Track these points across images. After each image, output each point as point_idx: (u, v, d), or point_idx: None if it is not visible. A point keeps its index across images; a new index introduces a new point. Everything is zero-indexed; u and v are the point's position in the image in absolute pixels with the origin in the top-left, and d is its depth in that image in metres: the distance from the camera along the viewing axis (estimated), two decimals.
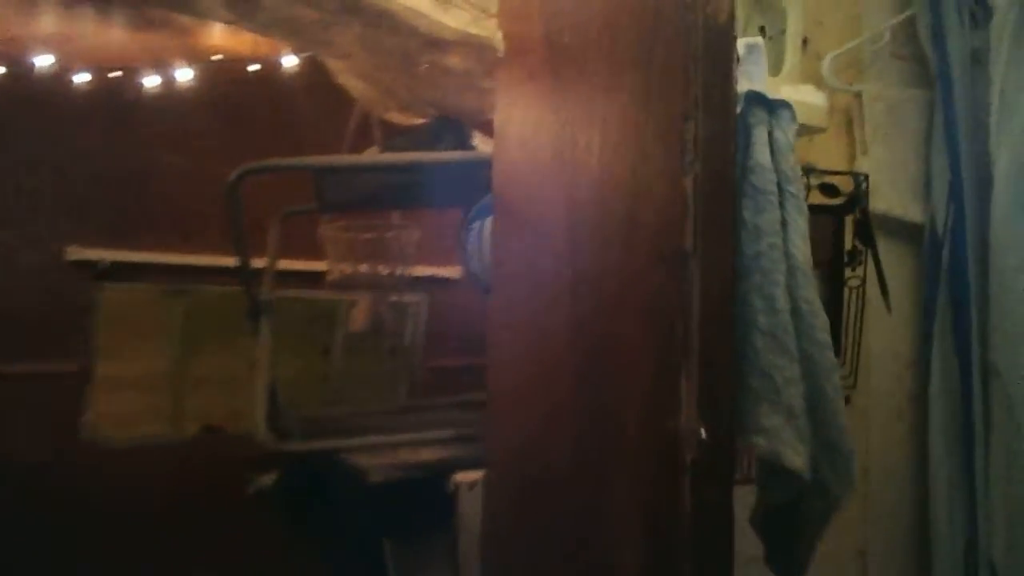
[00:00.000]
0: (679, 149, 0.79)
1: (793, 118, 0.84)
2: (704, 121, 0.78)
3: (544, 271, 1.05)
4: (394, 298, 2.60)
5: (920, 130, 1.55)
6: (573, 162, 0.99)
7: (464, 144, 1.52)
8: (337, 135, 2.60)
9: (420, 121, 2.34)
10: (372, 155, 2.21)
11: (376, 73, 1.74)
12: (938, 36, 1.45)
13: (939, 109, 1.49)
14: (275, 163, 1.38)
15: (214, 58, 2.45)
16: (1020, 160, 1.34)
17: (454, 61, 1.53)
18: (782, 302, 0.79)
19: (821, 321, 0.81)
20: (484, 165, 1.39)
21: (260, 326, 1.60)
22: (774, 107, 0.84)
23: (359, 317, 2.22)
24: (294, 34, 1.30)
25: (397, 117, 2.24)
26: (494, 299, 1.23)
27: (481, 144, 1.57)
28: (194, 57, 2.44)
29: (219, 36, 2.45)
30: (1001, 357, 1.36)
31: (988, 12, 1.43)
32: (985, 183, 1.40)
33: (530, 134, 1.12)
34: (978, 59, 1.45)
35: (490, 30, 1.45)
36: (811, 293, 0.81)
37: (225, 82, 2.59)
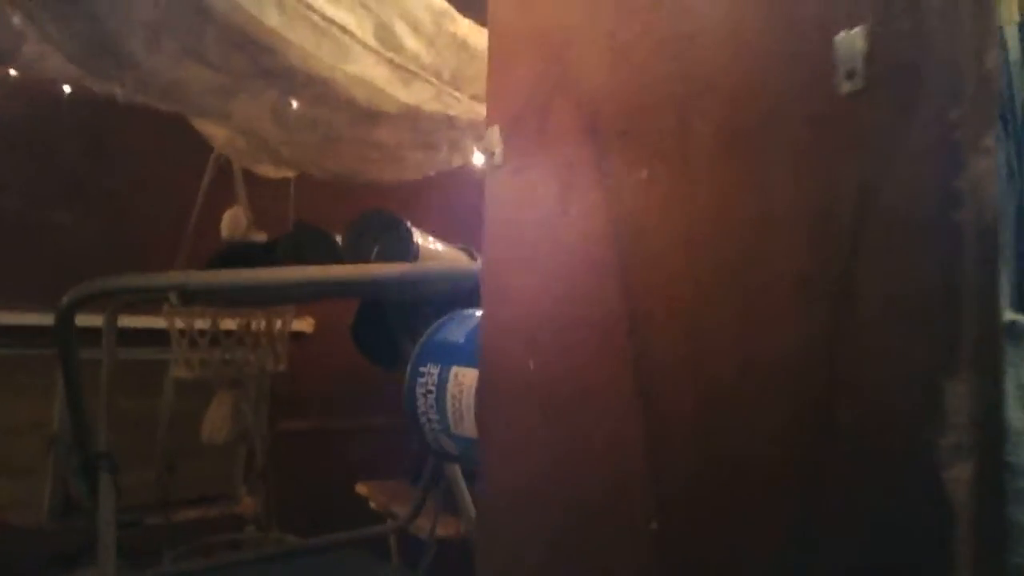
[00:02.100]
0: (929, 418, 0.49)
1: None
2: (974, 381, 0.49)
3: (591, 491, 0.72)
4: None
5: None
6: (665, 364, 0.66)
7: (406, 248, 1.14)
8: (179, 178, 2.10)
9: (290, 174, 1.92)
10: (235, 218, 1.75)
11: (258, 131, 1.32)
12: None
13: None
14: (125, 281, 0.93)
15: (11, 74, 1.85)
16: None
17: (383, 134, 1.15)
18: None
19: None
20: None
21: (99, 486, 1.11)
22: (1018, 337, 0.57)
23: (217, 429, 1.74)
24: (177, 102, 0.87)
25: (268, 171, 1.80)
26: (484, 491, 0.87)
27: (420, 240, 1.21)
28: None
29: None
30: None
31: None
32: None
33: (557, 291, 0.78)
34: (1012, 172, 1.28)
35: (446, 104, 1.09)
36: None
37: (23, 103, 1.99)
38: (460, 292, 1.25)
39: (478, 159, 1.60)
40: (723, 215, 0.63)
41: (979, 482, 0.48)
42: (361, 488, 2.75)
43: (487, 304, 0.88)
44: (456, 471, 1.30)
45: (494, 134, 0.86)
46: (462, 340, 1.02)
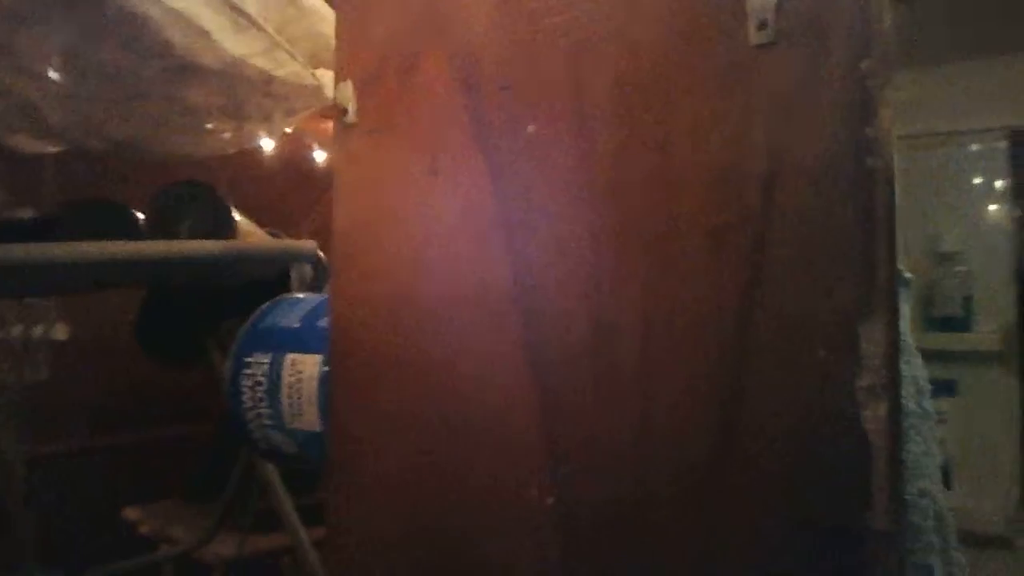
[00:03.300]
0: (846, 361, 0.50)
1: (908, 298, 0.62)
2: (886, 324, 0.51)
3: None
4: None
5: None
6: (559, 328, 0.63)
7: (222, 222, 1.01)
8: None
9: (52, 149, 1.65)
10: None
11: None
12: None
13: None
14: None
15: None
16: None
17: (193, 95, 1.01)
18: None
19: None
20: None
21: None
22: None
23: None
24: None
25: (23, 143, 1.53)
26: (338, 486, 0.78)
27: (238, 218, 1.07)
28: None
29: None
30: None
31: None
32: None
33: (427, 258, 0.72)
34: None
35: (277, 62, 0.98)
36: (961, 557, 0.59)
37: None
38: (268, 280, 1.14)
39: (266, 143, 1.48)
40: (622, 171, 0.61)
41: (890, 420, 0.50)
42: (130, 512, 2.43)
43: (338, 278, 0.80)
44: (274, 477, 1.18)
45: (347, 90, 0.78)
46: (297, 324, 0.92)
